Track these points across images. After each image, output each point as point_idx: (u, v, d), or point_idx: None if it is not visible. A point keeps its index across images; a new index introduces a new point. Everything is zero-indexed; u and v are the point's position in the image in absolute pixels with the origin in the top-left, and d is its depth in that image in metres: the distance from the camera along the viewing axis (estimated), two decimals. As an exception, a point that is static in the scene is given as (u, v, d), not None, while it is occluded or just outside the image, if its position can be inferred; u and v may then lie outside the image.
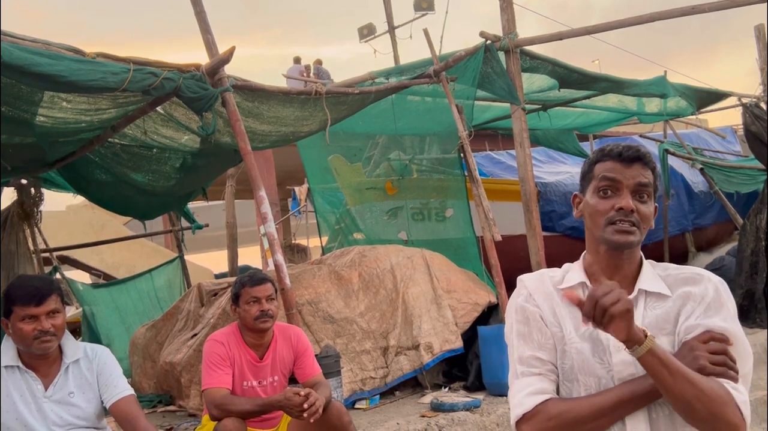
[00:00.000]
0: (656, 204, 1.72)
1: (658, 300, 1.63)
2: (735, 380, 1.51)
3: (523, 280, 1.77)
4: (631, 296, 1.61)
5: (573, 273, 1.72)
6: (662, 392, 1.49)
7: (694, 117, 10.51)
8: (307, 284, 5.56)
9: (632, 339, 1.46)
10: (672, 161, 9.71)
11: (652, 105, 8.78)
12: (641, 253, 1.70)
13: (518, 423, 1.60)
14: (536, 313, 1.69)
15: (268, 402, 3.26)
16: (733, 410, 1.47)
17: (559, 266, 1.81)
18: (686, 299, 1.61)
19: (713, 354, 1.52)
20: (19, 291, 2.58)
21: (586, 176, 1.72)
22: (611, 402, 1.55)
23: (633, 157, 1.65)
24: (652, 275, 1.67)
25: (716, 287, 1.63)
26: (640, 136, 11.28)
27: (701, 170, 9.72)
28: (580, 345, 1.63)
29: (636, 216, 1.61)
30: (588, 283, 1.67)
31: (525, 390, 1.62)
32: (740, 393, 1.49)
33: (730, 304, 1.61)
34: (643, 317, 1.60)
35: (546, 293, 1.71)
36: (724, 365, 1.52)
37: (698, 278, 1.65)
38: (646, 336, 1.47)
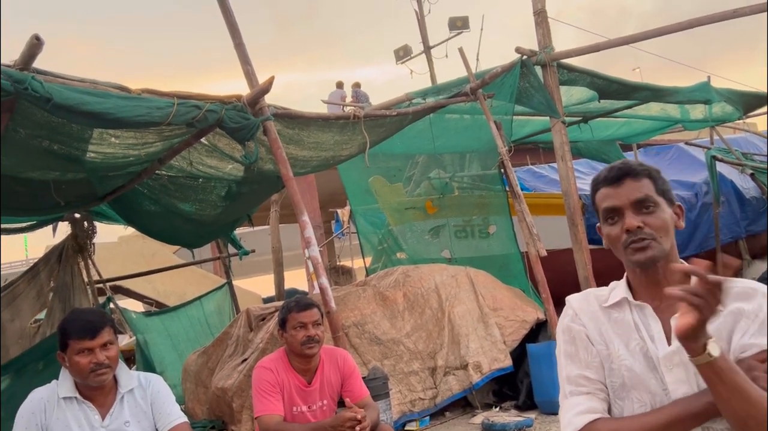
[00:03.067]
0: (678, 203, 1.68)
1: None
2: None
3: (570, 301, 1.77)
4: (677, 314, 1.57)
5: (617, 290, 1.70)
6: (717, 405, 1.45)
7: (741, 122, 10.24)
8: (353, 306, 5.59)
9: (692, 345, 1.41)
10: (721, 167, 9.46)
11: (697, 111, 8.59)
12: (677, 258, 1.66)
13: None
14: (582, 332, 1.68)
15: (320, 426, 3.27)
16: None
17: (608, 280, 1.79)
18: (739, 315, 1.56)
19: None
20: (73, 325, 2.66)
21: (594, 209, 1.73)
22: (663, 421, 1.51)
23: (619, 176, 1.64)
24: None
25: None
26: (686, 143, 11.02)
27: (751, 175, 9.43)
28: (630, 362, 1.60)
29: (647, 230, 1.59)
30: (631, 298, 1.65)
31: (574, 410, 1.60)
32: None
33: None
34: None
35: (591, 313, 1.70)
36: None
37: (752, 293, 1.59)
38: (705, 348, 1.42)
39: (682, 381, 1.54)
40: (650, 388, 1.57)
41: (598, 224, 1.74)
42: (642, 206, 1.61)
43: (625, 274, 1.73)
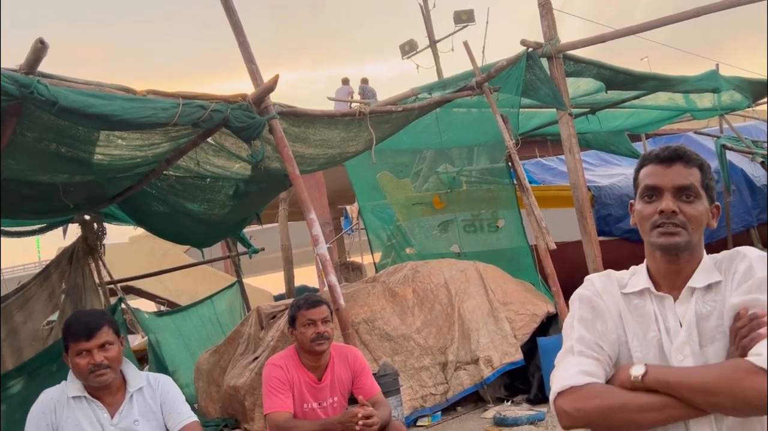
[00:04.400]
0: (717, 203, 1.67)
1: (710, 292, 1.58)
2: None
3: (592, 278, 1.74)
4: (680, 299, 1.59)
5: (637, 278, 1.68)
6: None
7: (751, 109, 10.15)
8: (363, 302, 5.59)
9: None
10: (731, 155, 9.38)
11: (705, 100, 8.52)
12: (703, 252, 1.65)
13: (560, 394, 1.54)
14: (603, 305, 1.65)
15: (330, 422, 3.28)
16: (755, 379, 1.38)
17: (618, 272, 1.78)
18: (726, 284, 1.57)
19: (740, 331, 1.47)
20: (72, 328, 2.68)
21: (634, 184, 1.71)
22: (660, 400, 1.48)
23: (671, 157, 1.61)
24: (709, 268, 1.61)
25: (750, 263, 1.55)
26: (696, 132, 10.94)
27: (762, 163, 9.36)
28: (646, 352, 1.59)
29: (681, 218, 1.57)
30: (652, 289, 1.63)
31: (579, 367, 1.56)
32: (763, 355, 1.39)
33: (757, 275, 1.52)
34: (698, 318, 1.55)
35: (613, 295, 1.68)
36: (749, 334, 1.45)
37: (734, 255, 1.59)
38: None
39: None
40: None
41: (631, 201, 1.72)
42: (684, 192, 1.59)
43: (645, 261, 1.70)
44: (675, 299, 1.61)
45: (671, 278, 1.62)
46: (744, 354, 1.44)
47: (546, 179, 9.82)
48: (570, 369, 1.57)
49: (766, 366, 1.37)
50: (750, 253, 1.58)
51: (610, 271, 1.75)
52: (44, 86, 3.44)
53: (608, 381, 1.56)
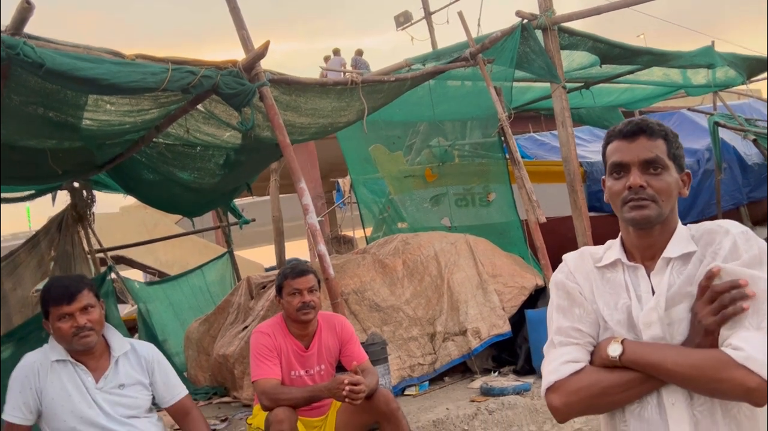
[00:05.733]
0: (687, 170, 1.67)
1: (684, 263, 1.59)
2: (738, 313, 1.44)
3: (566, 258, 1.77)
4: (655, 270, 1.60)
5: (611, 251, 1.70)
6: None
7: (745, 87, 10.13)
8: (352, 273, 5.60)
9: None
10: (723, 134, 9.39)
11: (700, 77, 8.50)
12: (678, 222, 1.66)
13: (548, 390, 1.61)
14: (576, 289, 1.68)
15: (317, 389, 3.31)
16: (733, 373, 1.41)
17: None
18: (704, 255, 1.57)
19: (710, 303, 1.48)
20: (51, 292, 2.68)
21: (603, 160, 1.72)
22: (638, 377, 1.54)
23: (635, 131, 1.62)
24: (684, 239, 1.61)
25: (734, 240, 1.55)
26: (689, 110, 10.93)
27: (754, 140, 9.38)
28: (616, 320, 1.62)
29: (649, 191, 1.58)
30: (624, 259, 1.66)
31: (561, 358, 1.61)
32: (743, 350, 1.42)
33: (748, 253, 1.52)
34: (669, 286, 1.57)
35: (586, 272, 1.70)
36: (721, 310, 1.46)
37: (717, 230, 1.59)
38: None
39: (657, 338, 1.55)
40: None
41: (603, 177, 1.73)
42: (650, 166, 1.60)
43: (620, 234, 1.72)
44: (648, 270, 1.63)
45: (645, 250, 1.64)
46: (717, 322, 1.46)
47: (538, 154, 9.81)
48: (553, 363, 1.62)
49: (745, 363, 1.40)
50: (733, 228, 1.58)
51: (584, 248, 1.78)
52: (30, 48, 3.38)
53: (592, 360, 1.61)
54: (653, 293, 1.59)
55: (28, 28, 3.51)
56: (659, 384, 1.53)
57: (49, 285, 2.79)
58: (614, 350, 1.54)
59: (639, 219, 1.59)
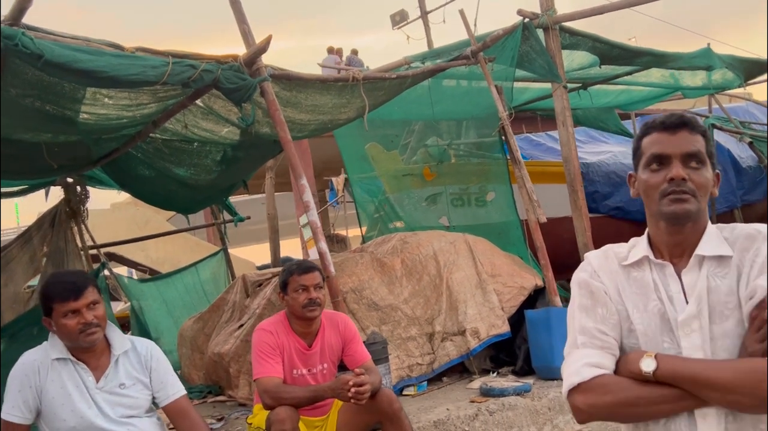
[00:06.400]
0: (717, 171, 1.64)
1: (720, 265, 1.54)
2: None
3: (589, 257, 1.72)
4: (688, 267, 1.55)
5: (638, 248, 1.66)
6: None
7: (741, 90, 10.17)
8: (350, 272, 5.54)
9: None
10: (718, 136, 9.40)
11: (697, 79, 8.50)
12: (708, 221, 1.62)
13: (572, 391, 1.55)
14: (601, 289, 1.63)
15: (321, 389, 3.26)
16: None
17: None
18: (741, 264, 1.52)
19: (758, 331, 1.43)
20: (56, 288, 2.59)
21: (636, 153, 1.67)
22: (673, 393, 1.47)
23: (677, 123, 1.58)
24: (716, 238, 1.58)
25: None
26: (685, 111, 10.96)
27: (750, 143, 9.40)
28: (647, 323, 1.56)
29: (690, 185, 1.54)
30: (651, 257, 1.61)
31: (584, 360, 1.56)
32: None
33: None
34: (709, 291, 1.52)
35: (611, 271, 1.65)
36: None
37: (754, 235, 1.55)
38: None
39: (696, 347, 1.50)
40: (663, 351, 1.53)
41: (630, 173, 1.69)
42: (691, 160, 1.56)
43: (646, 231, 1.68)
44: (677, 268, 1.58)
45: (674, 247, 1.59)
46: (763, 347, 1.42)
47: (534, 154, 9.78)
48: (576, 364, 1.57)
49: None
50: None
51: (608, 247, 1.72)
52: (29, 39, 3.32)
53: (617, 369, 1.55)
54: (683, 292, 1.55)
55: (26, 20, 3.45)
56: (696, 404, 1.46)
57: (52, 281, 2.71)
58: (648, 365, 1.48)
59: (680, 213, 1.54)
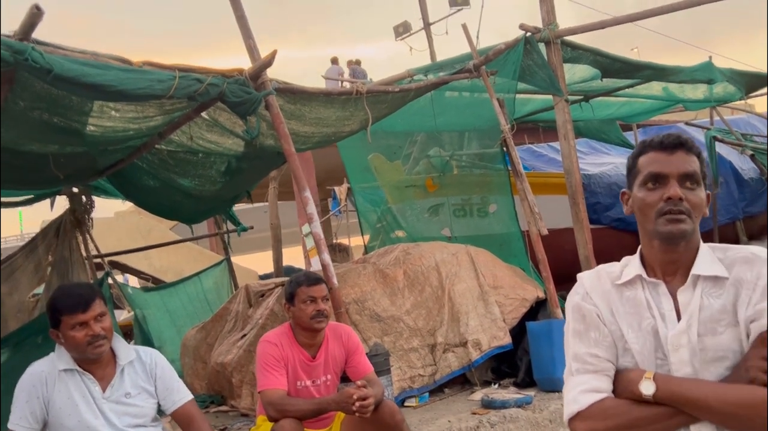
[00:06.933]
0: (708, 191, 1.67)
1: (716, 286, 1.57)
2: None
3: (581, 278, 1.74)
4: (684, 286, 1.58)
5: (630, 267, 1.68)
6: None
7: (742, 102, 10.22)
8: (353, 283, 5.58)
9: None
10: (720, 148, 9.45)
11: (698, 92, 8.56)
12: (700, 241, 1.65)
13: (572, 420, 1.59)
14: (593, 311, 1.65)
15: (325, 402, 3.29)
16: None
17: (606, 260, 1.78)
18: (740, 287, 1.55)
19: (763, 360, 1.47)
20: (64, 300, 2.63)
21: (631, 171, 1.69)
22: (669, 411, 1.51)
23: (674, 144, 1.61)
24: (710, 258, 1.60)
25: None
26: (686, 123, 10.99)
27: (751, 156, 9.43)
28: (642, 342, 1.59)
29: (686, 205, 1.57)
30: (644, 275, 1.63)
31: (579, 388, 1.59)
32: None
33: None
34: (701, 308, 1.55)
35: (603, 292, 1.67)
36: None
37: (752, 259, 1.57)
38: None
39: (684, 362, 1.53)
40: (657, 368, 1.56)
41: (623, 190, 1.72)
42: (687, 180, 1.60)
43: (639, 249, 1.70)
44: (670, 286, 1.61)
45: (667, 266, 1.62)
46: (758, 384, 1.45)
47: (536, 165, 9.82)
48: (573, 391, 1.60)
49: None
50: None
51: (600, 267, 1.74)
52: (39, 53, 3.36)
53: (616, 388, 1.59)
54: (676, 311, 1.58)
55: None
56: (690, 420, 1.50)
57: (60, 293, 2.75)
58: (647, 388, 1.52)
59: (676, 233, 1.57)
